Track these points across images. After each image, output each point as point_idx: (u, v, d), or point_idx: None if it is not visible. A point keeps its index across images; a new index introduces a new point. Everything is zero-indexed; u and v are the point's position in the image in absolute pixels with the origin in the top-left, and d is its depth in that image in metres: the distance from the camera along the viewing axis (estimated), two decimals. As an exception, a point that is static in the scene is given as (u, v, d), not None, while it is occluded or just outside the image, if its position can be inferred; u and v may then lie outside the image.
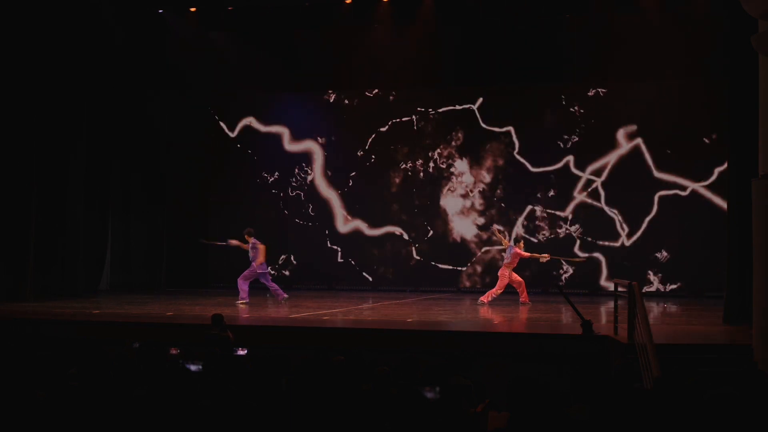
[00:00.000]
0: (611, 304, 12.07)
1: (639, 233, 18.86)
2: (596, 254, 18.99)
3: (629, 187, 18.88)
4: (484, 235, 19.69)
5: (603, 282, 18.79)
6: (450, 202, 20.01)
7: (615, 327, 11.34)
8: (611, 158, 19.06)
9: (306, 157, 20.69)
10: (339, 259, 20.43)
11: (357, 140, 20.39)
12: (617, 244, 19.00)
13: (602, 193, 19.12)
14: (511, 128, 19.58)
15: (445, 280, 19.80)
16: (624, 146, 18.98)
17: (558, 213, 19.35)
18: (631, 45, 17.86)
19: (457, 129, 19.93)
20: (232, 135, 21.09)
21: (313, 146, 20.68)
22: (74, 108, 17.95)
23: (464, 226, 19.86)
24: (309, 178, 20.67)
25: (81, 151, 18.14)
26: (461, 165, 19.91)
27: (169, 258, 20.37)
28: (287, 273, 20.65)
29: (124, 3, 18.53)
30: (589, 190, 19.15)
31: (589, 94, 19.21)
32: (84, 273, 18.23)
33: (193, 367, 6.44)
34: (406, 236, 20.12)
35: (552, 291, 18.33)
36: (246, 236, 16.58)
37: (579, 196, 19.23)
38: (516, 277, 16.37)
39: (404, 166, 20.18)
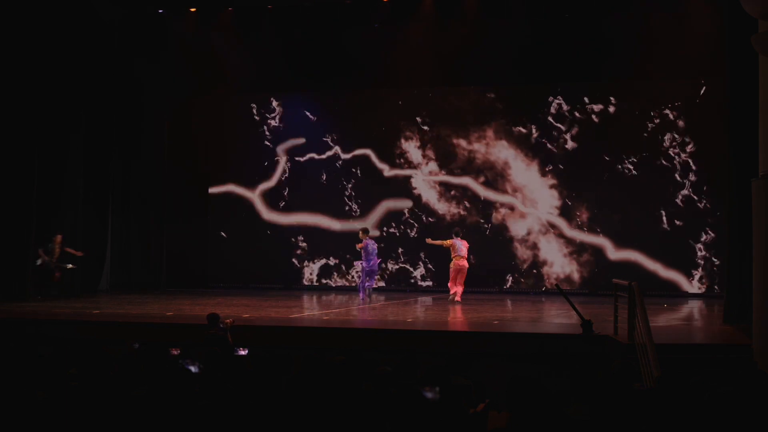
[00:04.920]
0: (611, 304, 12.07)
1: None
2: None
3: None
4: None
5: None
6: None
7: (615, 327, 11.34)
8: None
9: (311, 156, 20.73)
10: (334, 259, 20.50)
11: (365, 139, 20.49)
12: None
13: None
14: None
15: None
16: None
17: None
18: (631, 45, 17.88)
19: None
20: (233, 133, 21.13)
21: (314, 146, 20.70)
22: (72, 109, 17.97)
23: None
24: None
25: (80, 152, 18.15)
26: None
27: (169, 258, 20.37)
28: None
29: (124, 2, 18.54)
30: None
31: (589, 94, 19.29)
32: (84, 273, 18.24)
33: (192, 367, 6.44)
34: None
35: (552, 291, 18.36)
36: (361, 235, 17.43)
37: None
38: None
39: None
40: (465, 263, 17.11)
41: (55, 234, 17.53)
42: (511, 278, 19.62)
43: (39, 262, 17.24)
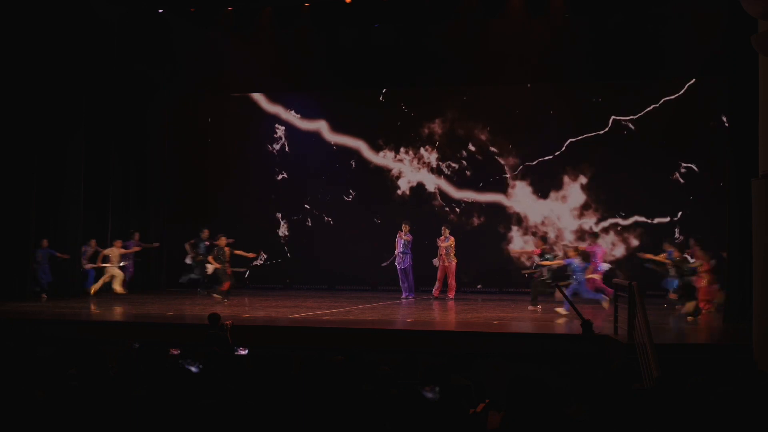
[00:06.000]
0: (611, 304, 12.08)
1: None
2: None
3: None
4: None
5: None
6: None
7: (615, 327, 11.34)
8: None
9: (311, 156, 20.71)
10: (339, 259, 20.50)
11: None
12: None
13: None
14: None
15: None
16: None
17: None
18: (631, 45, 17.90)
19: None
20: (233, 133, 21.12)
21: (314, 145, 20.69)
22: (72, 109, 17.93)
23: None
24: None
25: (79, 152, 18.12)
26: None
27: (169, 258, 20.33)
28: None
29: (124, 1, 18.53)
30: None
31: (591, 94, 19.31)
32: (84, 273, 18.22)
33: (192, 367, 6.44)
34: None
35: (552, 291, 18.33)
36: (407, 228, 17.96)
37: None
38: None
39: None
40: None
41: (218, 237, 17.68)
42: (510, 278, 19.59)
43: (190, 261, 17.53)
